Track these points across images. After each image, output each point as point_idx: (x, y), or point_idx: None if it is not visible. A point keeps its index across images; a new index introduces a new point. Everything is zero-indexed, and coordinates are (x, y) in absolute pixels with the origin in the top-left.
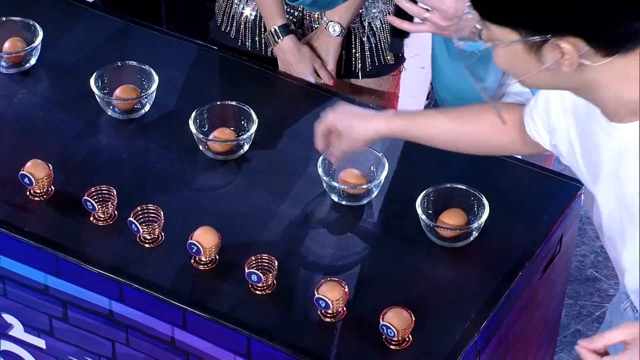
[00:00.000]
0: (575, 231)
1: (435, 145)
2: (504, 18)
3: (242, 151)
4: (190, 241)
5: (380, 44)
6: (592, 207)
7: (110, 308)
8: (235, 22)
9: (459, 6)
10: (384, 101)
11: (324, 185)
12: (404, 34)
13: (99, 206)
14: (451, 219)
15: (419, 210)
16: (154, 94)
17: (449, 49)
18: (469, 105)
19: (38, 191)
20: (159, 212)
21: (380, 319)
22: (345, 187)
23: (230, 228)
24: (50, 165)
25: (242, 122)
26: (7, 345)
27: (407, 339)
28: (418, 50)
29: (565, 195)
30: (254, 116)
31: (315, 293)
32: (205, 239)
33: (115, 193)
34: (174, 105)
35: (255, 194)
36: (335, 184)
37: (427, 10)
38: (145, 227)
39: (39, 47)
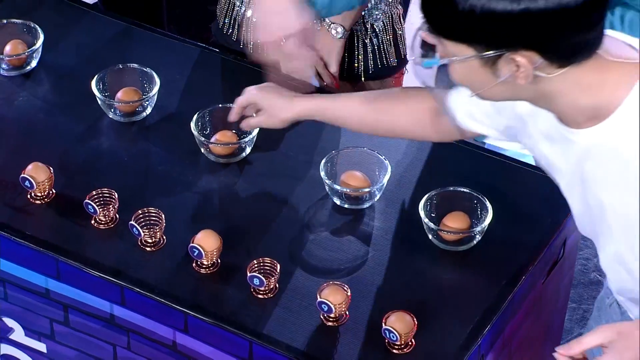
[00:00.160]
0: (579, 235)
1: (350, 128)
2: (458, 35)
3: (244, 154)
4: (191, 245)
5: (383, 46)
6: None
7: (112, 312)
8: (237, 24)
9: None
10: None
11: (326, 188)
12: None
13: (100, 209)
14: (454, 222)
15: (421, 213)
16: (156, 96)
17: None
18: (387, 90)
19: (39, 194)
20: (161, 216)
21: (383, 323)
22: (348, 190)
23: (232, 231)
24: (51, 168)
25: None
26: (7, 349)
27: (410, 343)
28: None
29: None
30: None
31: (318, 297)
32: (206, 242)
33: (116, 196)
34: (176, 108)
35: (258, 197)
36: (338, 187)
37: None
38: (147, 231)
39: (40, 49)
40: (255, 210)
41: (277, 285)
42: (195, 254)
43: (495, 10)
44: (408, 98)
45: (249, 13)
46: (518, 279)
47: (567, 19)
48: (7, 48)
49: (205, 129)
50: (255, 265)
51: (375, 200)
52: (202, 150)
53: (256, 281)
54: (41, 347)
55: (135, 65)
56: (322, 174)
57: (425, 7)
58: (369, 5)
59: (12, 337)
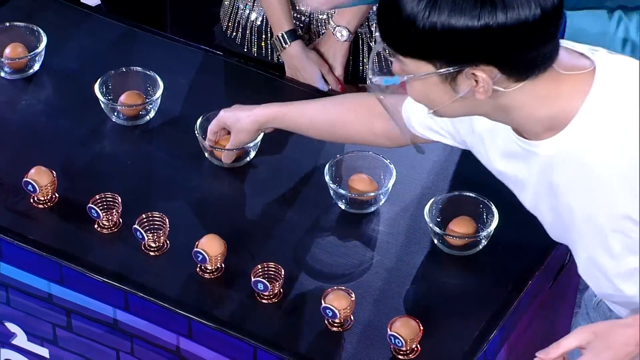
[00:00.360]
0: None
1: (308, 134)
2: (418, 52)
3: (248, 158)
4: (195, 249)
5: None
6: None
7: (115, 317)
8: (241, 28)
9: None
10: None
11: (331, 192)
12: None
13: (104, 213)
14: (460, 227)
15: (427, 218)
16: (159, 100)
17: None
18: (343, 96)
19: (42, 198)
20: (164, 220)
21: (388, 329)
22: (353, 195)
23: (236, 236)
24: (54, 172)
25: None
26: (9, 355)
27: (415, 349)
28: None
29: None
30: None
31: (322, 302)
32: (211, 247)
33: (120, 200)
34: (179, 112)
35: (262, 201)
36: (343, 192)
37: None
38: (151, 235)
39: (43, 52)
40: (260, 215)
41: (281, 290)
42: (199, 259)
43: (456, 27)
44: (361, 106)
45: (252, 16)
46: (524, 284)
47: (525, 34)
48: (7, 51)
49: None
50: (260, 270)
51: (380, 204)
52: (206, 154)
53: (260, 286)
54: (44, 352)
55: (139, 69)
56: (327, 178)
57: (382, 26)
58: (374, 7)
59: (15, 342)
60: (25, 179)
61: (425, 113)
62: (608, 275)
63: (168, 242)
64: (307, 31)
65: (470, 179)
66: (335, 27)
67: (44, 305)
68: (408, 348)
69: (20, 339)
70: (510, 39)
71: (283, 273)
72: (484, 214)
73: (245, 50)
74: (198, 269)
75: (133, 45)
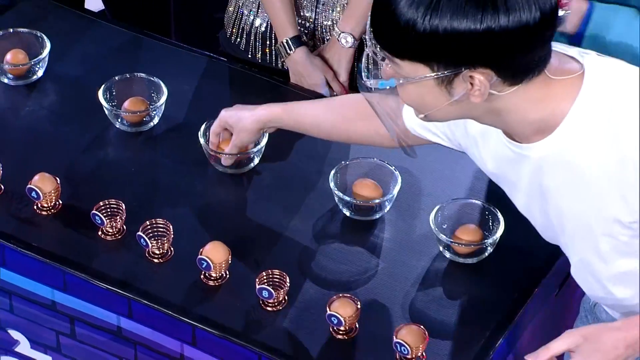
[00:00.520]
0: None
1: (311, 134)
2: (416, 55)
3: (252, 164)
4: (200, 256)
5: None
6: None
7: (119, 324)
8: (245, 34)
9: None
10: None
11: (336, 199)
12: None
13: (108, 220)
14: (466, 234)
15: (432, 225)
16: (163, 106)
17: None
18: (345, 97)
19: (45, 205)
20: (169, 227)
21: (394, 336)
22: (358, 202)
23: (240, 243)
24: (57, 179)
25: None
26: None
27: (421, 357)
28: None
29: None
30: None
31: (328, 309)
32: (215, 254)
33: (123, 207)
34: (183, 118)
35: (266, 208)
36: (347, 198)
37: None
38: (155, 242)
39: (47, 59)
40: (264, 222)
41: (286, 297)
42: (203, 266)
43: (459, 30)
44: (366, 106)
45: (257, 22)
46: (530, 292)
47: (526, 37)
48: (8, 57)
49: None
50: (264, 277)
51: (385, 211)
52: (210, 160)
53: (265, 293)
54: (47, 359)
55: (143, 75)
56: (332, 184)
57: (378, 29)
58: None
59: (18, 349)
60: (28, 186)
61: (417, 117)
62: (599, 278)
63: (172, 249)
64: (311, 37)
65: (475, 185)
66: (340, 34)
67: (47, 313)
68: (414, 356)
69: (24, 346)
70: (511, 42)
71: (288, 280)
72: (489, 221)
73: (250, 56)
74: (202, 276)
75: (137, 52)
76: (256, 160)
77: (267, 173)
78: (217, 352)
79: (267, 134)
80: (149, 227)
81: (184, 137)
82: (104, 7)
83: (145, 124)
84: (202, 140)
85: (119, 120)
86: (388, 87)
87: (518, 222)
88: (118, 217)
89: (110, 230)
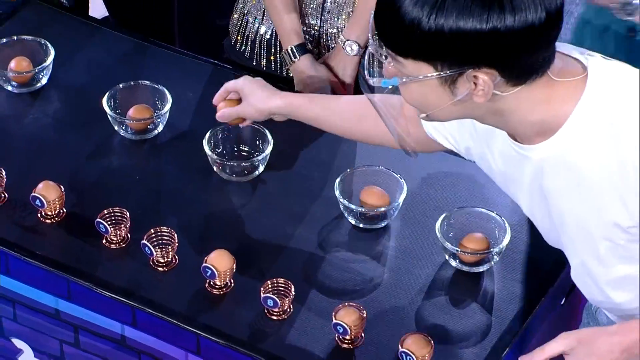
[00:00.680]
0: None
1: (326, 129)
2: (421, 53)
3: (257, 172)
4: (204, 265)
5: None
6: None
7: (123, 333)
8: (250, 41)
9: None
10: None
11: (341, 207)
12: None
13: (112, 229)
14: (472, 243)
15: (438, 234)
16: (168, 114)
17: None
18: (358, 95)
19: (49, 213)
20: (173, 235)
21: (400, 345)
22: (363, 210)
23: (245, 251)
24: (62, 187)
25: (257, 143)
26: None
27: None
28: None
29: None
30: (269, 137)
31: (333, 318)
32: (219, 262)
33: (128, 215)
34: (188, 126)
35: (271, 216)
36: (353, 207)
37: None
38: (159, 250)
39: (51, 66)
40: (269, 230)
41: (291, 306)
42: (208, 274)
43: (464, 29)
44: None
45: (262, 29)
46: (537, 301)
47: (531, 37)
48: (12, 65)
49: (217, 147)
50: (269, 286)
51: (391, 219)
52: (215, 168)
53: (270, 302)
54: None
55: (147, 82)
56: (337, 193)
57: (382, 27)
58: None
59: (21, 358)
60: (33, 194)
61: (418, 117)
62: (597, 282)
63: (177, 257)
64: (316, 45)
65: (481, 194)
66: (345, 41)
67: (51, 321)
68: None
69: (27, 355)
70: (516, 42)
71: (293, 289)
72: (495, 229)
73: (255, 63)
74: (207, 285)
75: (141, 59)
76: (261, 168)
77: (272, 181)
78: None
79: (272, 141)
80: (153, 235)
81: (189, 144)
82: (108, 15)
83: (149, 132)
84: (206, 148)
85: (124, 128)
86: (391, 86)
87: (524, 231)
88: (122, 225)
89: (115, 239)
